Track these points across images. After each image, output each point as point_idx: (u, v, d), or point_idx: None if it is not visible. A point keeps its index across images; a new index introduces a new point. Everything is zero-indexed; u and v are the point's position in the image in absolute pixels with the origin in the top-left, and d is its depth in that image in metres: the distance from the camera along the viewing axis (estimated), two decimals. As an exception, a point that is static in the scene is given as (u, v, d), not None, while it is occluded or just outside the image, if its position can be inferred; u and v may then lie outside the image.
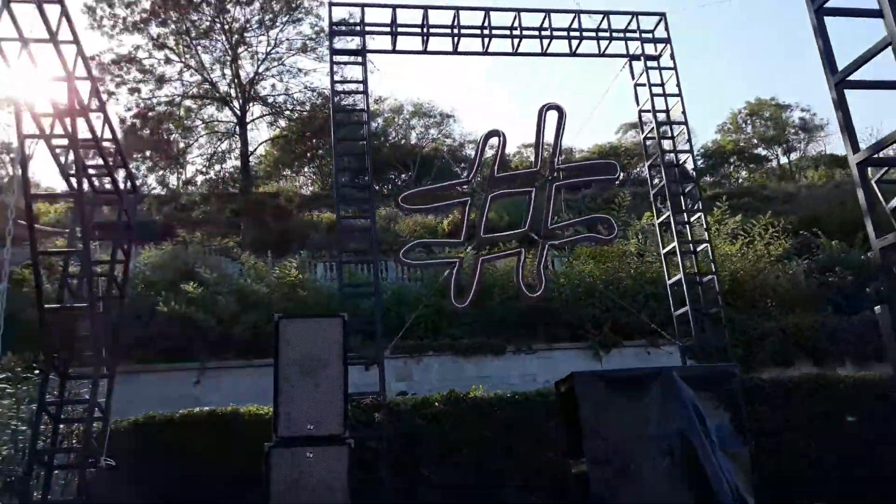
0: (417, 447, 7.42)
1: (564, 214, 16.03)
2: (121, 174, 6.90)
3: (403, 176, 34.21)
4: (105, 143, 6.36)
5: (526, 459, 7.54)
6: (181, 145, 28.39)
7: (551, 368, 11.54)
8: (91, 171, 6.45)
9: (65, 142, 5.59)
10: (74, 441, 6.23)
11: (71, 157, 5.84)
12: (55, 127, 5.47)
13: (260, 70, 27.45)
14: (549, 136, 8.82)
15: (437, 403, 7.58)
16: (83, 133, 6.26)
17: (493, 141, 8.57)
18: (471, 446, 7.52)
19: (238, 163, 29.19)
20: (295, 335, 4.79)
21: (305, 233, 26.30)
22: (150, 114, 26.59)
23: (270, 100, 28.48)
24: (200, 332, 14.62)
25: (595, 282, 14.32)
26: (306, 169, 36.58)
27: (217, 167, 29.70)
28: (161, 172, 29.11)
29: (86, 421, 5.78)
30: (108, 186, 6.88)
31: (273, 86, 28.12)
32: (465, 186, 8.69)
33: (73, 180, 5.97)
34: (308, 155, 34.88)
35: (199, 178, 29.85)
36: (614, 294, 13.49)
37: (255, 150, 30.09)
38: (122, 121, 25.81)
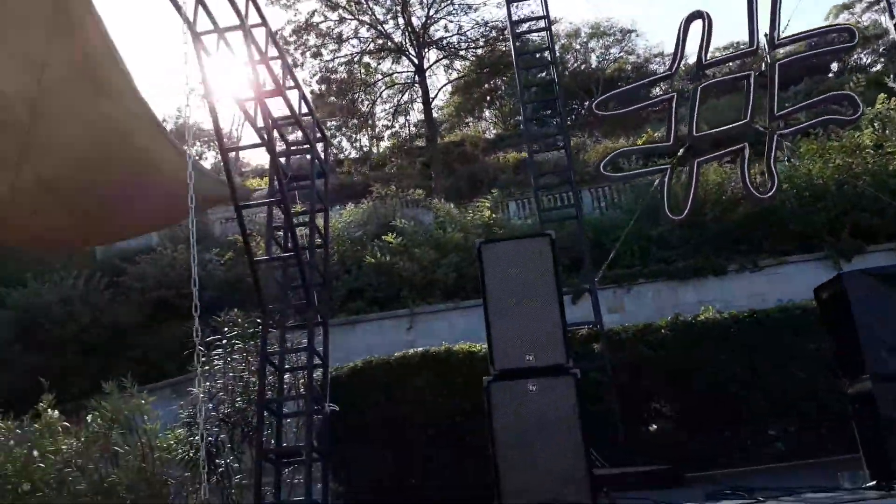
0: (643, 377, 6.81)
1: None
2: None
3: (587, 104, 32.76)
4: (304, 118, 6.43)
5: (772, 383, 6.63)
6: (366, 104, 29.18)
7: (782, 286, 10.26)
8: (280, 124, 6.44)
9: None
10: (300, 389, 6.34)
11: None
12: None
13: (431, 13, 27.24)
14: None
15: (662, 329, 6.88)
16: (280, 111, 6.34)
17: (697, 25, 7.48)
18: (704, 373, 6.74)
19: (422, 115, 29.56)
20: (500, 260, 4.32)
21: (493, 175, 26.11)
22: (332, 76, 27.55)
23: (445, 42, 28.27)
24: (406, 281, 14.92)
25: (825, 182, 12.51)
26: (487, 112, 36.34)
27: (401, 120, 30.28)
28: (352, 134, 30.23)
29: (307, 369, 5.79)
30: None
31: (445, 27, 27.87)
32: (665, 83, 7.70)
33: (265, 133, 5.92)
34: (488, 98, 34.59)
35: (387, 134, 30.65)
36: (851, 192, 11.68)
37: (436, 96, 30.16)
38: (312, 91, 26.97)
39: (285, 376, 6.08)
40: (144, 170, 6.02)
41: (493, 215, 15.95)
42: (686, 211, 7.58)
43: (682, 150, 7.52)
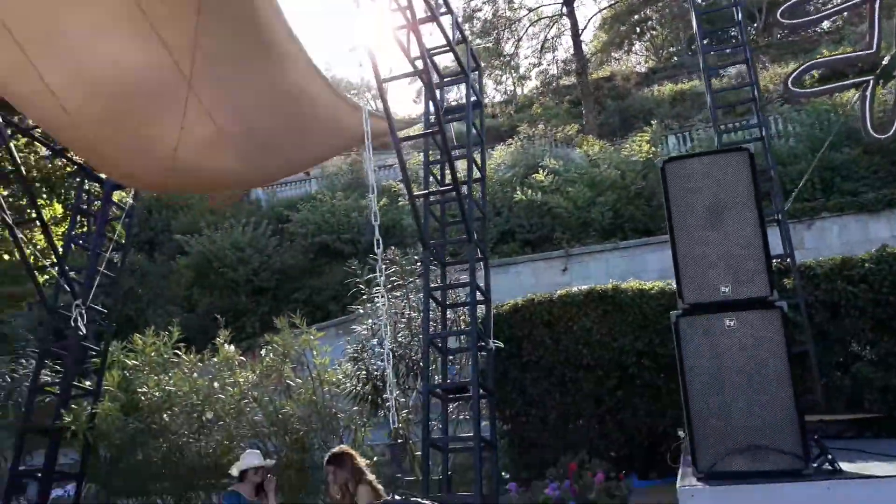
0: (842, 316, 6.04)
1: None
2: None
3: (750, 29, 30.00)
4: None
5: None
6: (510, 43, 28.45)
7: None
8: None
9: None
10: (461, 326, 6.19)
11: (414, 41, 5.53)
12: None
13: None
14: None
15: (865, 263, 6.04)
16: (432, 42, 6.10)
17: None
18: (917, 313, 5.87)
19: (568, 53, 28.44)
20: (689, 178, 3.82)
21: (648, 110, 24.68)
22: (476, 15, 27.03)
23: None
24: (559, 221, 14.48)
25: None
26: (637, 45, 34.37)
27: (548, 56, 29.28)
28: (497, 75, 29.66)
29: (470, 305, 5.60)
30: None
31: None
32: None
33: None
34: (637, 30, 32.68)
35: (533, 72, 29.81)
36: None
37: (585, 27, 28.81)
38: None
39: (448, 312, 5.95)
40: (302, 110, 6.00)
41: (653, 149, 15.01)
42: (893, 129, 6.54)
43: (887, 59, 6.45)
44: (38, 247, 7.88)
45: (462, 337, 6.32)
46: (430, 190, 5.77)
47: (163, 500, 7.25)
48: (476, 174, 6.18)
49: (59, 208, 10.79)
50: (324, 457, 6.79)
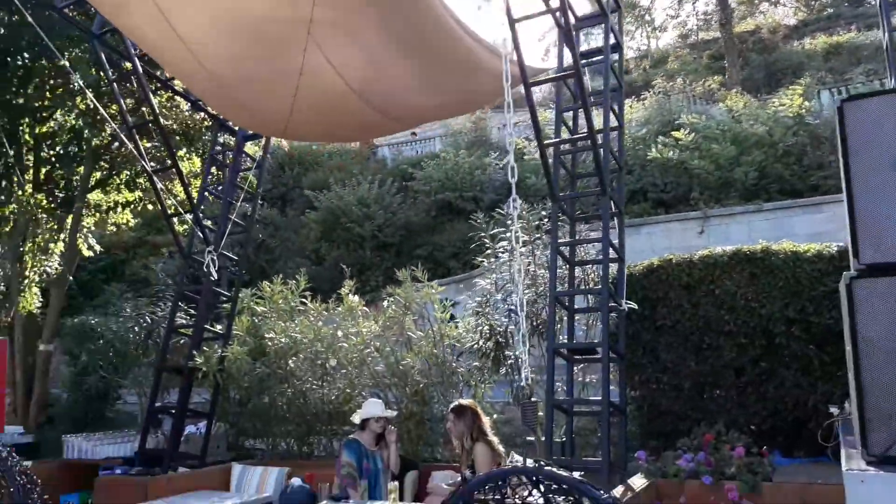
0: None
1: None
2: None
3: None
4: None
5: None
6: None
7: None
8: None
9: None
10: (591, 284, 5.83)
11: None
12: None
13: None
14: None
15: None
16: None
17: None
18: None
19: (707, 6, 26.59)
20: (874, 121, 3.24)
21: (797, 64, 22.74)
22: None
23: None
24: (697, 180, 13.60)
25: None
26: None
27: (688, 7, 27.54)
28: (630, 30, 28.27)
29: (602, 262, 5.23)
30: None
31: None
32: None
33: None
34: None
35: (671, 24, 28.17)
36: None
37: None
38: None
39: (576, 270, 5.59)
40: (434, 55, 5.74)
41: (805, 104, 13.73)
42: None
43: None
44: (178, 198, 8.20)
45: (590, 297, 5.96)
46: (563, 138, 5.39)
47: (286, 443, 7.44)
48: (613, 122, 5.72)
49: (197, 162, 11.26)
50: (443, 410, 6.76)
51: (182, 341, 7.73)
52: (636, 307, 5.55)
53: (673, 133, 14.23)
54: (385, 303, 6.77)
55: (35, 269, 10.65)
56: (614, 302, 5.00)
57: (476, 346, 5.90)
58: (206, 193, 7.76)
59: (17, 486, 3.18)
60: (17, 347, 10.68)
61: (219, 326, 7.42)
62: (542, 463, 2.24)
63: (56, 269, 10.78)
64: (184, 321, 7.73)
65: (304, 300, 7.54)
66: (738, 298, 6.03)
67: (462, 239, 15.75)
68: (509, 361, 5.77)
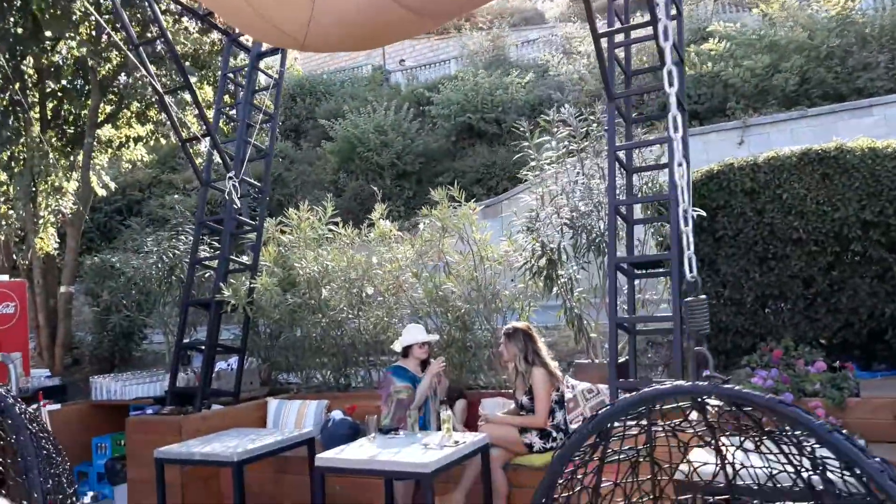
0: None
1: None
2: None
3: None
4: None
5: None
6: None
7: None
8: None
9: None
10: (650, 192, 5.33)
11: None
12: None
13: None
14: None
15: None
16: None
17: None
18: None
19: None
20: None
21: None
22: None
23: None
24: (732, 90, 12.86)
25: None
26: None
27: None
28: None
29: (668, 164, 4.72)
30: None
31: None
32: None
33: None
34: None
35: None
36: None
37: None
38: None
39: (633, 177, 5.08)
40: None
41: (849, 3, 12.79)
42: None
43: None
44: (191, 129, 7.70)
45: (648, 207, 5.46)
46: (619, 27, 4.80)
47: (322, 376, 7.14)
48: (673, 11, 5.10)
49: (209, 91, 10.70)
50: (487, 335, 6.40)
51: (207, 275, 7.37)
52: (704, 214, 5.06)
53: (704, 45, 13.39)
54: (421, 225, 6.32)
55: (49, 208, 10.28)
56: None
57: (527, 265, 5.44)
58: (221, 117, 7.25)
59: (27, 435, 2.83)
60: (37, 290, 10.41)
61: (244, 258, 7.02)
62: (716, 380, 1.79)
63: (70, 208, 10.39)
64: (207, 254, 7.34)
65: (332, 227, 7.11)
66: (809, 202, 5.53)
67: (485, 164, 15.17)
68: (562, 280, 5.32)
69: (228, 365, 7.21)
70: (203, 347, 6.41)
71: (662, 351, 7.13)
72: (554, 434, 4.69)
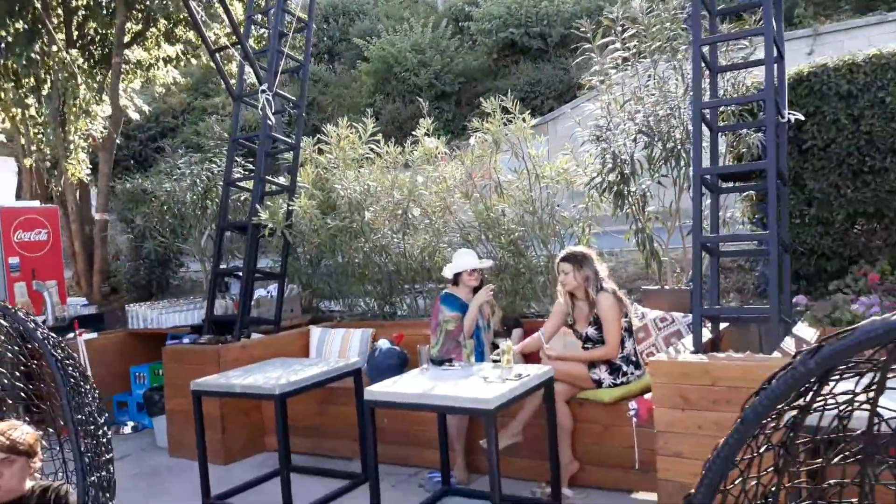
0: None
1: None
2: None
3: None
4: None
5: None
6: None
7: None
8: None
9: None
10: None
11: None
12: None
13: None
14: None
15: None
16: None
17: None
18: None
19: None
20: None
21: None
22: None
23: None
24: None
25: None
26: None
27: None
28: None
29: (765, 61, 4.08)
30: None
31: None
32: None
33: None
34: None
35: None
36: None
37: None
38: None
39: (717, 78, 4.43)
40: None
41: None
42: None
43: None
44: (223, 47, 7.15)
45: (736, 112, 4.83)
46: None
47: (365, 304, 6.78)
48: None
49: (238, 8, 10.08)
50: (543, 261, 5.92)
51: (243, 198, 6.96)
52: (802, 118, 4.42)
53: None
54: (471, 139, 5.76)
55: (79, 132, 9.92)
56: (778, 112, 3.88)
57: (595, 180, 4.88)
58: (253, 27, 6.69)
59: (52, 361, 2.47)
60: (71, 217, 10.18)
61: (281, 179, 6.58)
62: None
63: (101, 131, 10.02)
64: (242, 175, 6.92)
65: (373, 147, 6.60)
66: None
67: (530, 82, 14.37)
68: (634, 197, 4.76)
69: (268, 292, 6.87)
70: (240, 273, 6.05)
71: (732, 276, 6.60)
72: (624, 368, 4.25)
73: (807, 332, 4.05)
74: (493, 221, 5.69)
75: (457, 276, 4.85)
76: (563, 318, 4.41)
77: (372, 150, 6.56)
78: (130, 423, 6.67)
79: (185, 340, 5.88)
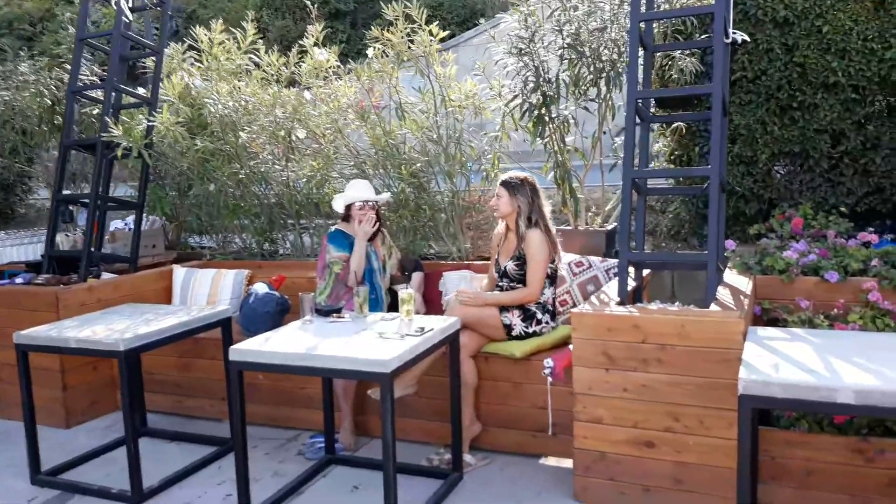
0: None
1: None
2: None
3: None
4: None
5: None
6: None
7: None
8: None
9: None
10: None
11: None
12: None
13: None
14: None
15: None
16: None
17: None
18: None
19: None
20: None
21: None
22: None
23: None
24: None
25: None
26: None
27: None
28: None
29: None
30: None
31: None
32: None
33: None
34: None
35: None
36: None
37: None
38: None
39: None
40: None
41: None
42: None
43: None
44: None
45: (669, 34, 4.27)
46: None
47: (241, 240, 5.97)
48: None
49: None
50: (446, 197, 5.30)
51: (96, 111, 5.87)
52: (748, 38, 3.91)
53: None
54: (369, 52, 4.96)
55: None
56: (725, 33, 3.34)
57: (516, 99, 4.22)
58: None
59: None
60: None
61: (141, 90, 5.55)
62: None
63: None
64: (87, 80, 5.83)
65: (254, 55, 5.68)
66: (855, 37, 4.47)
67: (431, 4, 13.44)
68: (556, 123, 4.16)
69: (126, 224, 5.92)
70: (87, 201, 5.06)
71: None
72: (539, 315, 3.72)
73: (738, 280, 3.65)
74: (392, 149, 4.98)
75: (348, 209, 4.14)
76: (496, 251, 3.85)
77: (251, 59, 5.64)
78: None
79: (19, 280, 4.88)
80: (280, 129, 5.15)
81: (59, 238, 5.26)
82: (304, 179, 5.17)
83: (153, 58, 5.47)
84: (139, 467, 3.43)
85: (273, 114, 5.16)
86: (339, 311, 3.56)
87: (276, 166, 5.28)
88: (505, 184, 3.68)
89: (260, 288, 4.51)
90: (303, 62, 5.39)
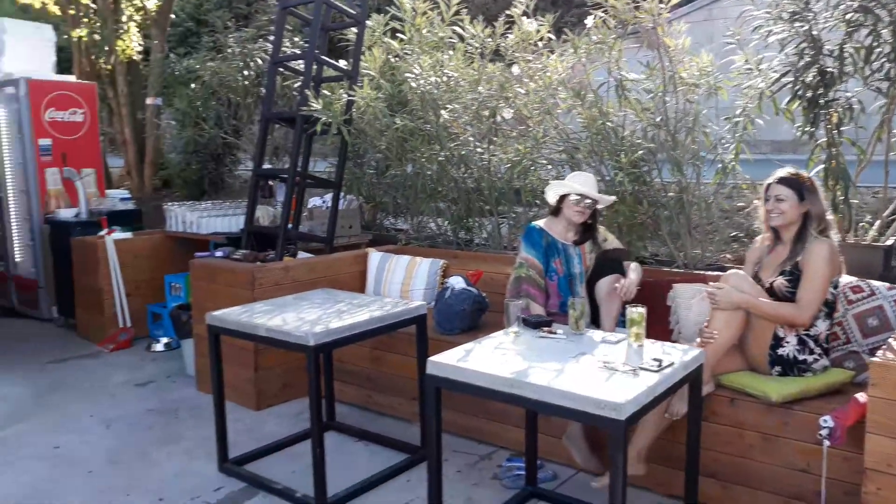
0: None
1: None
2: None
3: None
4: None
5: None
6: None
7: None
8: None
9: None
10: None
11: None
12: None
13: None
14: None
15: None
16: None
17: None
18: None
19: None
20: None
21: None
22: None
23: None
24: None
25: None
26: None
27: None
28: None
29: None
30: None
31: None
32: None
33: None
34: None
35: None
36: None
37: None
38: None
39: None
40: None
41: None
42: None
43: None
44: None
45: None
46: None
47: (437, 224, 5.63)
48: None
49: None
50: (668, 191, 4.59)
51: (297, 84, 5.77)
52: None
53: None
54: (588, 21, 4.35)
55: (132, 3, 8.84)
56: None
57: (787, 76, 3.43)
58: None
59: None
60: (122, 101, 9.26)
61: (342, 62, 5.33)
62: None
63: (156, 3, 8.92)
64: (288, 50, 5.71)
65: (457, 28, 5.26)
66: None
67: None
68: (832, 108, 3.32)
69: (324, 202, 5.78)
70: (285, 176, 4.93)
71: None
72: (812, 346, 2.95)
73: None
74: (610, 133, 4.35)
75: (561, 201, 3.58)
76: (753, 267, 3.15)
77: (455, 32, 5.23)
78: (164, 340, 5.82)
79: (217, 255, 4.86)
80: (483, 108, 4.68)
81: (260, 212, 5.20)
82: (507, 164, 4.68)
83: (355, 29, 5.22)
84: (324, 476, 3.15)
85: (476, 91, 4.71)
86: (549, 324, 3.03)
87: (478, 149, 4.84)
88: (790, 183, 2.93)
89: (456, 282, 4.11)
90: (509, 33, 4.89)
